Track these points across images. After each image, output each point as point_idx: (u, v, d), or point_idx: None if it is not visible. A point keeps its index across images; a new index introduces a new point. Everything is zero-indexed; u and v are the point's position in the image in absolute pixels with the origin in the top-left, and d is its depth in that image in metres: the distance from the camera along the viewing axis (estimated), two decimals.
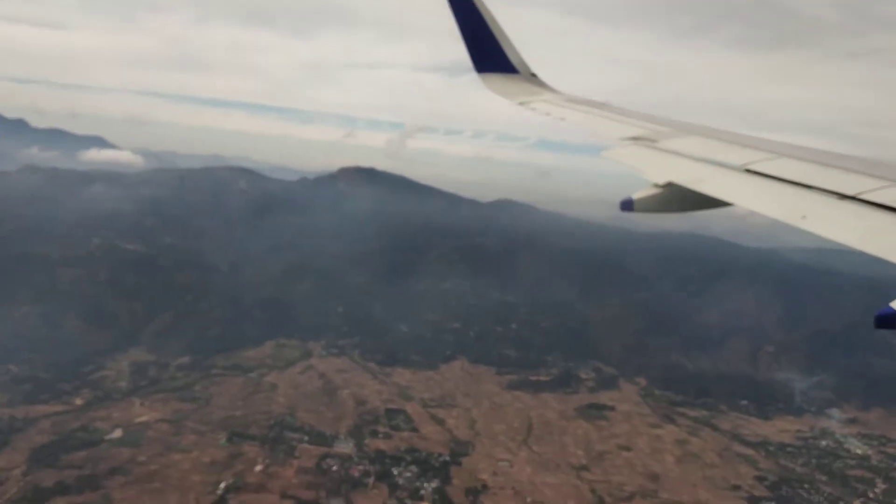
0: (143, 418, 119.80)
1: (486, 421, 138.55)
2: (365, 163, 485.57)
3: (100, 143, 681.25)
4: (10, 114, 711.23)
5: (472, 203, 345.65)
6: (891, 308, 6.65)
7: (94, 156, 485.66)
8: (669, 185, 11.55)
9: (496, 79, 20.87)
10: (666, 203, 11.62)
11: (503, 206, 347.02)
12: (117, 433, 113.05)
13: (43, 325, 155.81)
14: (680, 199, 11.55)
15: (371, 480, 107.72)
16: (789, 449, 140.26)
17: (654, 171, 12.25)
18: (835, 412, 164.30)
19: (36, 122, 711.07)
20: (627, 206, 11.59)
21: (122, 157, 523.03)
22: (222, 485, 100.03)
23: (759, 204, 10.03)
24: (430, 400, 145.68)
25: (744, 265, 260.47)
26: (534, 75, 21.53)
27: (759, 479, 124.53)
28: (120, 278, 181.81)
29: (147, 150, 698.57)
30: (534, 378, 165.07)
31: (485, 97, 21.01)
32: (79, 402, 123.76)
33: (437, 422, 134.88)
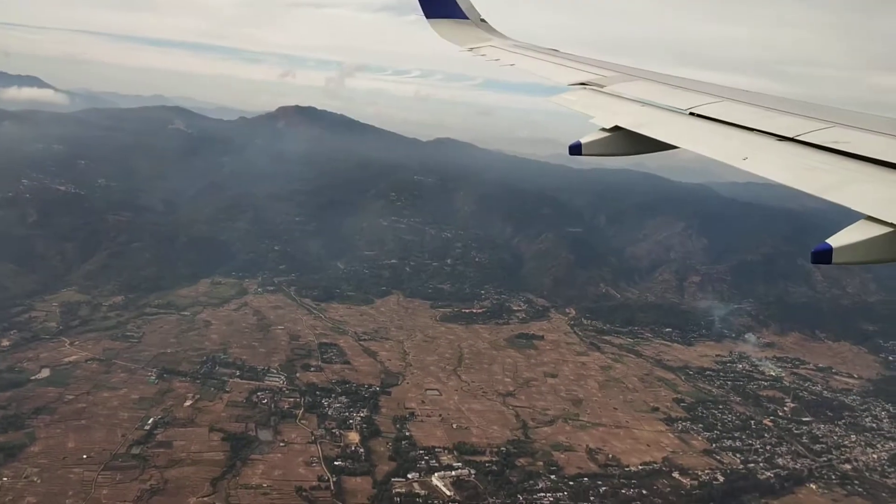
0: (72, 358, 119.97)
1: (417, 352, 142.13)
2: (308, 103, 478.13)
3: (35, 82, 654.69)
4: None
5: (413, 142, 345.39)
6: (826, 244, 6.98)
7: (26, 94, 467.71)
8: (616, 129, 11.84)
9: (445, 24, 21.11)
10: (613, 146, 11.87)
11: (444, 144, 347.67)
12: (44, 373, 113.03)
13: None
14: (627, 142, 11.83)
15: (300, 412, 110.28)
16: (708, 373, 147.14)
17: (602, 115, 12.57)
18: (753, 337, 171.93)
19: None
20: (576, 150, 11.76)
21: (55, 97, 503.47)
22: (150, 420, 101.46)
23: (702, 146, 10.40)
24: (363, 333, 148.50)
25: (675, 200, 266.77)
26: (483, 21, 21.76)
27: (678, 401, 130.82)
28: (50, 219, 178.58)
29: (88, 90, 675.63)
30: (467, 310, 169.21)
31: (432, 37, 21.25)
32: (5, 343, 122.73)
33: (369, 354, 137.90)
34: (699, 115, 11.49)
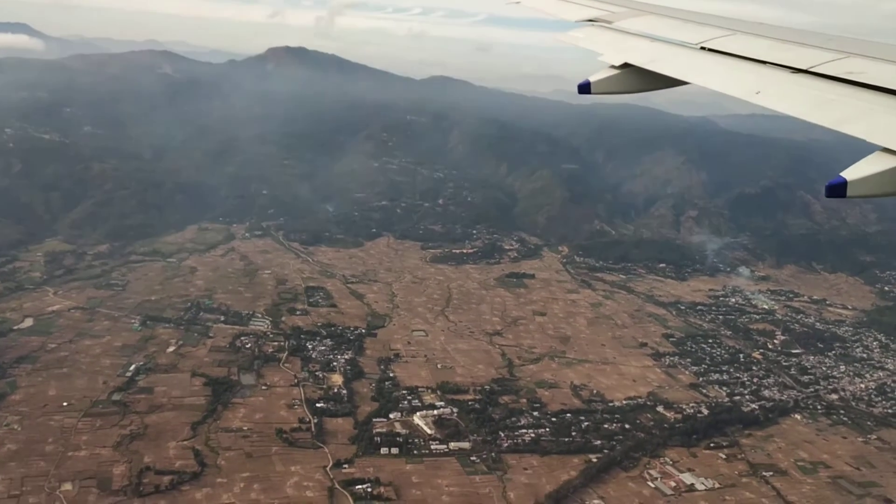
0: (56, 307, 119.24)
1: (405, 294, 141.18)
2: (303, 44, 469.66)
3: (25, 29, 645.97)
4: None
5: (406, 81, 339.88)
6: (841, 177, 6.79)
7: (11, 42, 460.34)
8: (626, 66, 11.45)
9: None
10: (623, 84, 11.53)
11: (438, 82, 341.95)
12: (27, 322, 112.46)
13: None
14: (637, 79, 11.47)
15: (284, 355, 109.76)
16: (700, 307, 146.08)
17: (611, 52, 12.14)
18: (748, 271, 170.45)
19: None
20: (584, 89, 11.41)
21: (41, 44, 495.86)
22: (132, 367, 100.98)
23: (714, 82, 10.02)
24: (351, 276, 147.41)
25: (675, 134, 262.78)
26: None
27: (666, 336, 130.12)
28: (35, 169, 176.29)
29: (81, 36, 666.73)
30: (458, 251, 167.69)
31: None
32: None
33: (356, 297, 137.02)
34: (710, 50, 11.17)
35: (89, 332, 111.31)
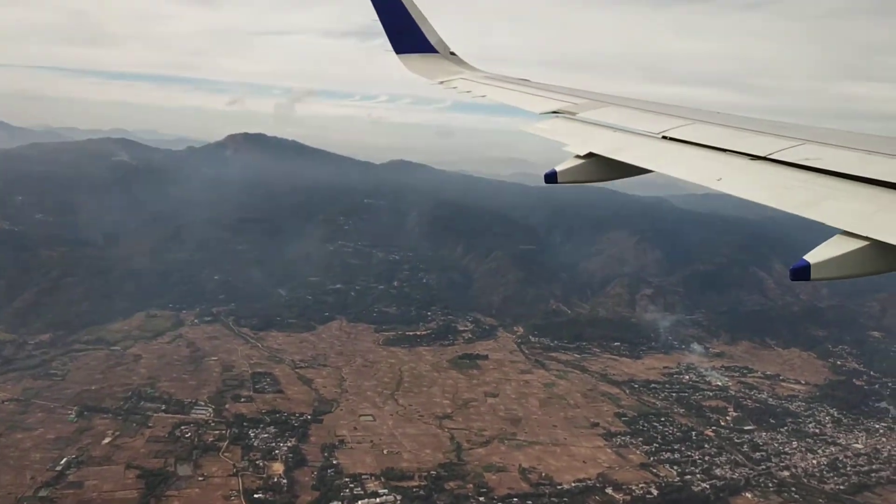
0: None
1: (355, 378, 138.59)
2: (269, 130, 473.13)
3: None
4: None
5: (365, 165, 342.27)
6: (804, 261, 6.94)
7: None
8: (591, 156, 11.63)
9: (415, 59, 21.16)
10: (588, 173, 11.67)
11: (397, 166, 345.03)
12: None
13: None
14: (602, 168, 11.62)
15: (225, 444, 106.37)
16: (653, 385, 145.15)
17: (576, 142, 12.35)
18: (702, 348, 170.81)
19: None
20: (551, 178, 11.52)
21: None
22: (63, 460, 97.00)
23: (676, 169, 10.26)
24: (300, 361, 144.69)
25: (631, 214, 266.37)
26: (453, 54, 21.69)
27: (619, 415, 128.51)
28: None
29: (47, 126, 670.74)
30: (411, 333, 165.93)
31: (399, 63, 21.18)
32: None
33: (304, 382, 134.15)
34: (672, 139, 11.42)
35: (21, 425, 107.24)
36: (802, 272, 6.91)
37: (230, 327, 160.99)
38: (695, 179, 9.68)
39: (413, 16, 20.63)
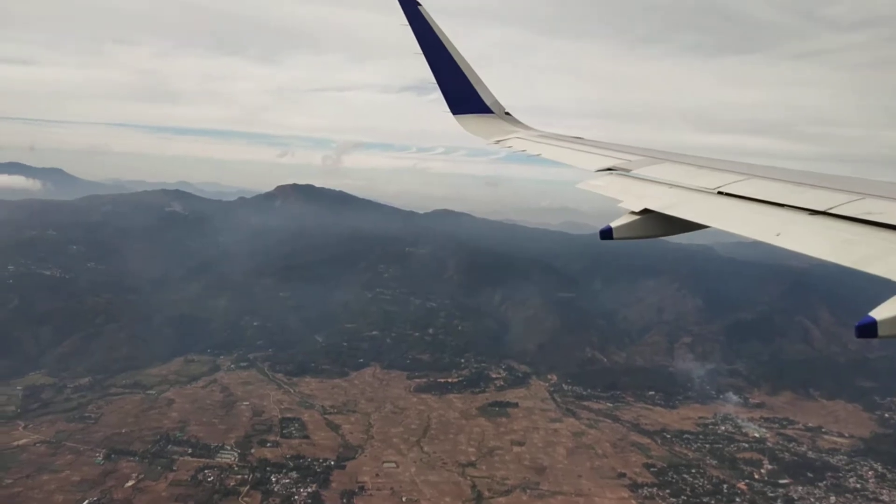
0: (22, 441, 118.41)
1: (382, 424, 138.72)
2: (323, 182, 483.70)
3: (58, 174, 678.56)
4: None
5: (410, 214, 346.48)
6: (870, 317, 6.78)
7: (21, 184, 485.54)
8: (646, 212, 11.63)
9: (471, 119, 21.71)
10: (643, 229, 11.64)
11: (440, 216, 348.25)
12: None
13: None
14: (657, 224, 11.59)
15: (245, 489, 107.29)
16: (686, 436, 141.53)
17: (630, 198, 12.40)
18: (740, 398, 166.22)
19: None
20: (606, 234, 11.51)
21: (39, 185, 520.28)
22: (85, 503, 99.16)
23: (733, 225, 10.19)
24: (330, 407, 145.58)
25: (673, 261, 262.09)
26: (508, 114, 22.25)
27: (648, 466, 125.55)
28: (31, 304, 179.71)
29: (116, 180, 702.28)
30: (443, 380, 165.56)
31: (451, 116, 21.85)
32: None
33: (331, 428, 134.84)
34: (727, 194, 11.34)
35: (49, 467, 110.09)
36: (869, 329, 6.69)
37: (265, 373, 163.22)
38: (752, 235, 9.55)
39: (470, 79, 21.34)
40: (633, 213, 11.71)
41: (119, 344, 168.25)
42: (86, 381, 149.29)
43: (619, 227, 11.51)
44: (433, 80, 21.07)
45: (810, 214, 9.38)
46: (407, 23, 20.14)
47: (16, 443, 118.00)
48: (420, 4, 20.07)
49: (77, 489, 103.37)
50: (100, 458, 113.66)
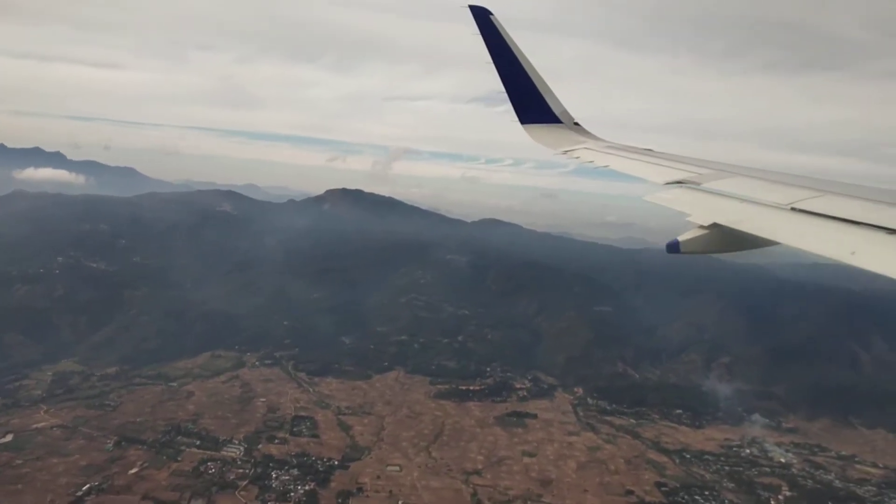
0: (40, 424, 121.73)
1: (395, 428, 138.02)
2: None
3: (130, 173, 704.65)
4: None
5: (456, 222, 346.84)
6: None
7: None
8: (714, 226, 11.53)
9: (540, 129, 21.82)
10: (712, 244, 11.55)
11: (487, 225, 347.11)
12: (7, 438, 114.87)
13: None
14: (726, 239, 11.48)
15: (244, 483, 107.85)
16: (706, 457, 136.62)
17: (699, 212, 12.29)
18: (773, 421, 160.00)
19: (73, 154, 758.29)
20: (674, 248, 11.53)
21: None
22: (85, 487, 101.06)
23: (806, 242, 9.92)
24: (346, 408, 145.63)
25: (724, 280, 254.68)
26: (577, 124, 22.39)
27: (659, 485, 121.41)
28: (74, 294, 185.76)
29: (188, 180, 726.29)
30: (464, 387, 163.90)
31: (520, 127, 22.01)
32: None
33: (343, 428, 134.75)
34: (801, 210, 11.08)
35: (61, 451, 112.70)
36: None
37: (288, 371, 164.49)
38: (825, 253, 9.20)
39: (539, 88, 21.30)
40: (701, 227, 11.47)
41: (150, 336, 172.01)
42: (113, 371, 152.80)
43: (687, 242, 11.31)
44: (502, 90, 21.20)
45: (888, 233, 9.03)
46: (478, 31, 20.37)
47: (35, 425, 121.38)
48: (492, 14, 20.30)
49: (82, 473, 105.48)
50: (109, 445, 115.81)
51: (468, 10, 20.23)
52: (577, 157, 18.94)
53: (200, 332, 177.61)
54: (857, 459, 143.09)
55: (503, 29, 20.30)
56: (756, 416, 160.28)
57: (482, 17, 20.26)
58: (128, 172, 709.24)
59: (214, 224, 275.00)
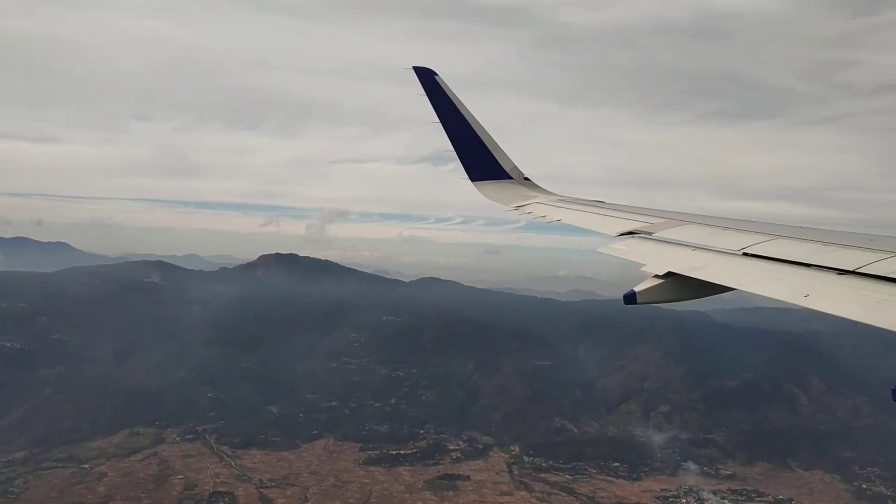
0: None
1: (319, 499, 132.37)
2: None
3: (64, 249, 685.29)
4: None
5: (393, 282, 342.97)
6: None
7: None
8: (670, 275, 11.35)
9: (490, 186, 21.85)
10: (667, 293, 11.31)
11: (425, 283, 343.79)
12: None
13: None
14: (682, 287, 11.29)
15: None
16: None
17: (653, 262, 12.11)
18: (712, 469, 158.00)
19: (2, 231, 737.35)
20: (630, 299, 11.19)
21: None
22: None
23: (760, 286, 9.89)
24: (269, 480, 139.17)
25: (664, 328, 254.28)
26: (527, 179, 22.26)
27: None
28: None
29: (126, 252, 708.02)
30: (395, 452, 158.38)
31: (469, 185, 21.98)
32: None
33: (264, 502, 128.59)
34: (753, 255, 11.14)
35: None
36: None
37: (210, 445, 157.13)
38: (779, 296, 9.25)
39: (487, 145, 21.46)
40: (656, 276, 11.41)
41: (64, 416, 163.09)
42: (21, 455, 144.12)
43: (643, 292, 11.20)
44: (450, 149, 21.34)
45: (839, 274, 9.12)
46: (424, 92, 20.63)
47: None
48: (437, 74, 20.53)
49: None
50: None
51: (413, 72, 20.52)
52: (530, 213, 19.17)
53: (118, 409, 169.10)
54: (793, 503, 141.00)
55: (448, 88, 20.61)
56: (690, 465, 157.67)
57: (427, 78, 20.56)
58: (59, 248, 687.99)
59: (140, 296, 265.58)
